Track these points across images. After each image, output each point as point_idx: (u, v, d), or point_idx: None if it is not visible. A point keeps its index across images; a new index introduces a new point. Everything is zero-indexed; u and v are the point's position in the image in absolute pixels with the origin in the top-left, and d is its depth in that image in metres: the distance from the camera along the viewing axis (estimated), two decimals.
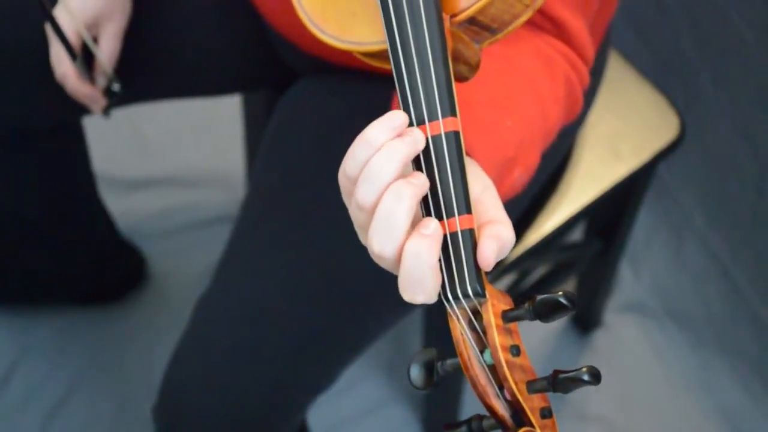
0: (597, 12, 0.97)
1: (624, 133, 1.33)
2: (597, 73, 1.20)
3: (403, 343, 1.67)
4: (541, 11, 0.89)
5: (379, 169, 0.67)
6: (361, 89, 1.13)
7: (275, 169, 1.14)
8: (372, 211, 0.68)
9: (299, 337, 1.07)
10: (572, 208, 1.28)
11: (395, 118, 0.68)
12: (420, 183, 0.68)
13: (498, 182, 0.82)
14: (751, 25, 1.63)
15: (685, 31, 1.74)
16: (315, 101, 1.17)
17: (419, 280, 0.67)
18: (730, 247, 1.73)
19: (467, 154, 0.77)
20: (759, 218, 1.70)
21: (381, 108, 1.10)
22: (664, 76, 1.72)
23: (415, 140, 0.68)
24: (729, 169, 1.74)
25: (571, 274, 1.56)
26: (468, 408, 1.55)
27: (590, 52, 0.93)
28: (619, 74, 1.37)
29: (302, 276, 1.07)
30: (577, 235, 1.61)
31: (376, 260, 0.70)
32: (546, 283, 1.52)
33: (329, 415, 1.58)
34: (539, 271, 1.54)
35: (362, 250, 1.11)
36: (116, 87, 1.18)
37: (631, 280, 1.76)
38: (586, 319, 1.68)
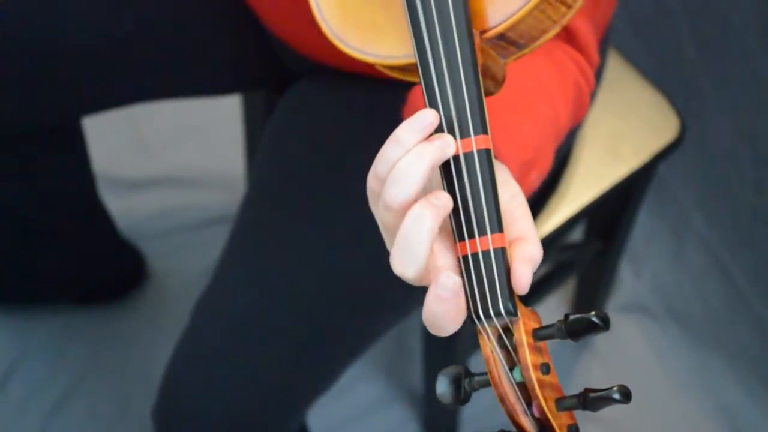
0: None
1: (624, 133, 1.33)
2: (597, 73, 1.20)
3: (403, 344, 1.67)
4: None
5: (407, 170, 0.66)
6: (361, 90, 1.13)
7: (274, 169, 1.14)
8: (399, 212, 0.67)
9: (299, 337, 1.07)
10: (572, 208, 1.28)
11: (425, 117, 0.67)
12: (442, 203, 0.67)
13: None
14: (751, 25, 1.63)
15: (685, 31, 1.74)
16: (315, 102, 1.17)
17: (442, 322, 0.67)
18: (730, 247, 1.73)
19: (495, 157, 0.77)
20: (759, 218, 1.70)
21: (380, 108, 1.10)
22: (664, 76, 1.72)
23: (445, 144, 0.67)
24: (729, 169, 1.74)
25: (571, 274, 1.56)
26: (468, 408, 1.55)
27: (596, 55, 0.94)
28: (619, 74, 1.37)
29: (301, 276, 1.07)
30: (577, 235, 1.61)
31: (400, 277, 0.70)
32: (546, 283, 1.52)
33: (329, 415, 1.58)
34: (539, 271, 1.54)
35: (361, 251, 1.11)
36: None
37: (631, 280, 1.76)
38: None
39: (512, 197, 0.72)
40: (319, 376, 1.11)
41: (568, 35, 0.91)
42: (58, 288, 1.63)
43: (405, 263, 0.67)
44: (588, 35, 0.92)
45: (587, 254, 1.53)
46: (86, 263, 1.59)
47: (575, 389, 0.68)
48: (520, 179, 0.83)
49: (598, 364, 1.66)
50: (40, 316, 1.66)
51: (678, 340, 1.70)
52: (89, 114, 1.31)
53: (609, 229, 1.49)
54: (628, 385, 0.66)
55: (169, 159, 1.87)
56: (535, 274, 0.70)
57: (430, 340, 1.41)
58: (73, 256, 1.55)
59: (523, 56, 0.74)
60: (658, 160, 1.33)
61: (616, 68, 1.38)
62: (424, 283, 0.69)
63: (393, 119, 0.97)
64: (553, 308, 1.69)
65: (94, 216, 1.56)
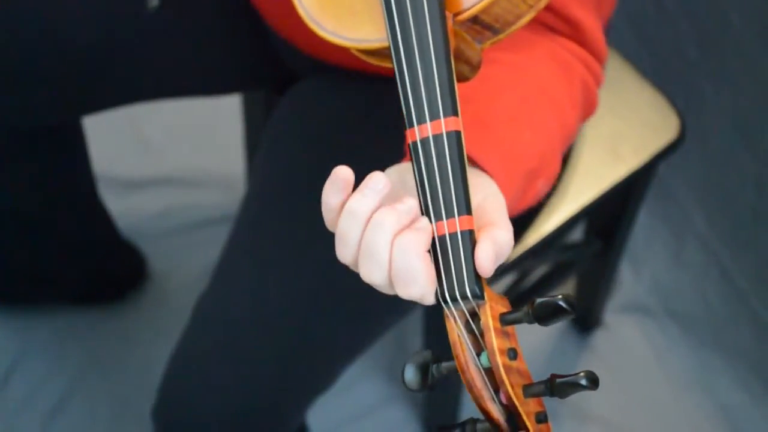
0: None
1: (624, 133, 1.33)
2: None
3: (403, 344, 1.67)
4: (555, 12, 0.89)
5: (376, 247, 0.68)
6: (361, 90, 1.13)
7: (274, 169, 1.14)
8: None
9: (299, 337, 1.07)
10: (572, 208, 1.28)
11: (336, 176, 0.70)
12: (405, 209, 0.68)
13: (522, 194, 0.82)
14: (751, 25, 1.63)
15: (685, 31, 1.74)
16: (315, 102, 1.17)
17: (408, 270, 0.67)
18: (730, 247, 1.73)
19: (485, 169, 0.77)
20: (759, 218, 1.70)
21: (381, 108, 1.10)
22: (664, 76, 1.72)
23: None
24: (729, 169, 1.74)
25: (571, 274, 1.56)
26: (468, 408, 1.55)
27: (604, 50, 0.93)
28: (619, 74, 1.37)
29: (301, 276, 1.07)
30: (577, 235, 1.61)
31: (371, 285, 0.70)
32: (546, 283, 1.52)
33: (329, 415, 1.58)
34: (539, 271, 1.54)
35: None
36: None
37: (631, 280, 1.75)
38: (586, 319, 1.68)
39: (486, 196, 0.72)
40: (319, 376, 1.11)
41: (573, 29, 0.90)
42: (58, 288, 1.62)
43: (371, 270, 0.68)
44: (595, 29, 0.91)
45: (587, 254, 1.53)
46: (86, 263, 1.59)
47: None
48: (527, 187, 0.83)
49: (598, 364, 1.66)
50: (40, 316, 1.66)
51: (678, 340, 1.70)
52: (89, 114, 1.31)
53: (609, 229, 1.49)
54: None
55: (169, 159, 1.87)
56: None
57: (430, 340, 1.41)
58: (73, 256, 1.55)
59: (498, 41, 0.74)
60: (658, 160, 1.33)
61: (616, 68, 1.37)
62: (394, 290, 0.69)
63: (393, 119, 0.97)
64: None
65: (94, 216, 1.56)
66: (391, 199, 0.69)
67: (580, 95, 0.91)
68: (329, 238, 1.07)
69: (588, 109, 0.94)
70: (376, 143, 1.09)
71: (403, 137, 0.89)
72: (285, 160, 1.14)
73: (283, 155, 1.14)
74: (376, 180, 0.68)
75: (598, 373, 0.66)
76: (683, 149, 1.38)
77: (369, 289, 1.06)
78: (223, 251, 1.12)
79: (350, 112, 1.13)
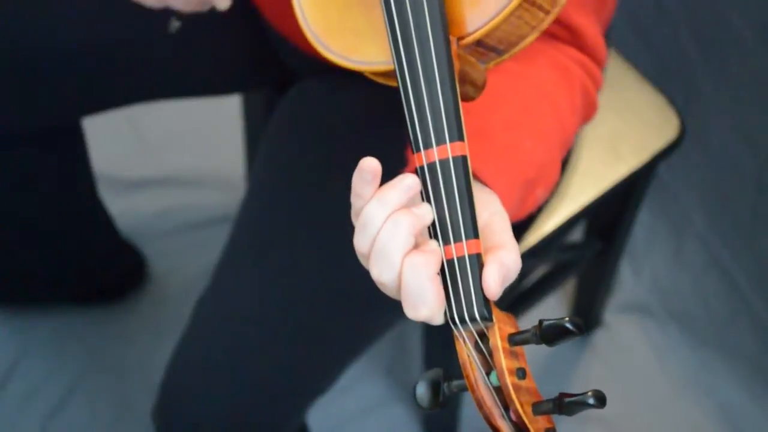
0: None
1: (624, 133, 1.33)
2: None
3: (403, 344, 1.67)
4: (556, 20, 0.89)
5: (387, 246, 0.68)
6: (361, 89, 1.13)
7: (274, 169, 1.14)
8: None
9: (298, 338, 1.07)
10: (572, 208, 1.28)
11: (364, 168, 0.69)
12: (421, 213, 0.68)
13: (521, 203, 0.82)
14: (751, 25, 1.63)
15: (685, 31, 1.74)
16: (315, 102, 1.17)
17: (419, 292, 0.67)
18: (730, 247, 1.73)
19: (484, 182, 0.77)
20: (759, 218, 1.70)
21: (381, 109, 1.10)
22: (664, 76, 1.72)
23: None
24: (729, 169, 1.74)
25: (571, 274, 1.56)
26: (468, 408, 1.55)
27: (604, 54, 0.94)
28: (619, 74, 1.37)
29: (301, 276, 1.07)
30: (577, 235, 1.61)
31: (380, 288, 0.70)
32: (546, 283, 1.52)
33: (329, 415, 1.58)
34: (539, 271, 1.54)
35: None
36: None
37: (631, 280, 1.76)
38: (586, 319, 1.68)
39: (492, 215, 0.72)
40: (319, 376, 1.11)
41: (573, 36, 0.90)
42: (58, 288, 1.63)
43: (382, 268, 0.68)
44: (595, 34, 0.92)
45: (587, 254, 1.53)
46: (86, 263, 1.59)
47: (575, 389, 0.69)
48: (525, 196, 0.83)
49: (598, 364, 1.66)
50: (40, 316, 1.66)
51: (678, 340, 1.70)
52: (89, 114, 1.31)
53: (609, 229, 1.49)
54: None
55: (169, 159, 1.87)
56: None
57: (430, 341, 1.41)
58: (73, 256, 1.55)
59: (502, 61, 0.74)
60: (658, 160, 1.33)
61: (616, 68, 1.38)
62: (399, 296, 0.69)
63: (393, 119, 0.97)
64: (553, 308, 1.70)
65: (94, 216, 1.56)
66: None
67: (580, 101, 0.91)
68: (329, 238, 1.07)
69: (587, 113, 0.94)
70: (376, 143, 1.09)
71: (404, 137, 0.89)
72: (285, 160, 1.14)
73: (283, 155, 1.14)
74: (408, 179, 0.69)
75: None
76: (683, 149, 1.38)
77: (369, 289, 1.07)
78: (223, 251, 1.12)
79: (350, 112, 1.13)
